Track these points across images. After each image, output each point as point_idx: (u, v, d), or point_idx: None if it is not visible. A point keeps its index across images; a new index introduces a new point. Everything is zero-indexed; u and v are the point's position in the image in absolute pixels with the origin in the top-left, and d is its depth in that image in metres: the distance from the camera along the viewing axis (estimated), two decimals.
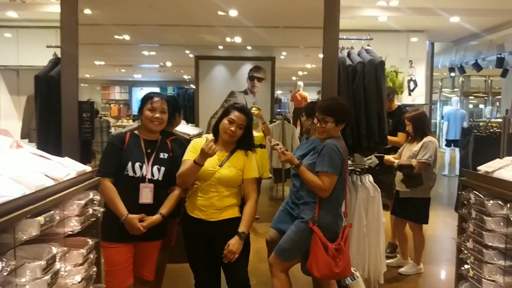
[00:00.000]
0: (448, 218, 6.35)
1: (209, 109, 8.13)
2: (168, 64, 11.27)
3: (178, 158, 2.71)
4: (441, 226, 6.29)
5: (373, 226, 3.51)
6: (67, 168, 1.90)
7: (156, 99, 2.62)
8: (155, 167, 2.58)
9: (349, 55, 3.67)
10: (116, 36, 7.32)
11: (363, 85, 3.47)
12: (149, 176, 2.55)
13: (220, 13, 5.80)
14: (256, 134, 5.71)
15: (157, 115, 2.59)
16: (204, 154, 2.47)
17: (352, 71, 3.49)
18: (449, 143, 9.93)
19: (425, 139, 4.01)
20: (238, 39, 7.50)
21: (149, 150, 2.61)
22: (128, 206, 2.49)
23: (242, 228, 2.58)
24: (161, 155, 2.64)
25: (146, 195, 2.53)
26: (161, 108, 2.62)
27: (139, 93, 16.71)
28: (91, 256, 2.05)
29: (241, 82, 8.35)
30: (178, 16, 6.08)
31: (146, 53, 9.33)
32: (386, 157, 3.97)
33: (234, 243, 2.53)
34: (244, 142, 2.73)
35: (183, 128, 4.30)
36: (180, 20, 6.33)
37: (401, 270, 4.20)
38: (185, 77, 13.46)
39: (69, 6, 3.15)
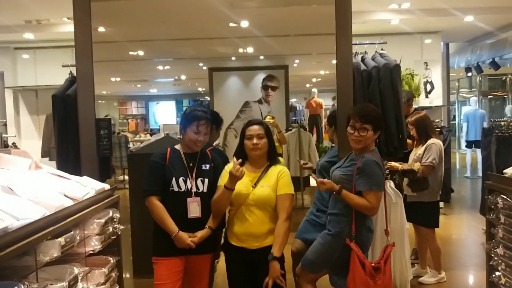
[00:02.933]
0: (473, 221, 6.20)
1: (225, 120, 8.09)
2: (183, 77, 11.36)
3: (219, 167, 2.72)
4: (466, 230, 6.15)
5: (397, 232, 3.44)
6: (86, 187, 1.90)
7: (202, 122, 2.61)
8: (199, 180, 2.59)
9: (363, 60, 3.64)
10: (130, 52, 7.41)
11: (379, 89, 3.43)
12: (194, 189, 2.56)
13: (231, 24, 5.82)
14: None
15: (201, 138, 2.60)
16: (233, 177, 2.45)
17: (367, 76, 3.45)
18: (469, 144, 9.74)
19: (428, 142, 3.94)
20: (250, 49, 7.52)
21: (191, 164, 2.62)
22: (177, 221, 2.50)
23: (275, 251, 2.49)
24: (203, 167, 2.65)
25: (194, 209, 2.54)
26: (206, 131, 2.63)
27: (155, 107, 16.88)
28: (113, 274, 2.05)
29: (255, 92, 8.34)
30: (190, 29, 6.13)
31: (160, 67, 9.42)
32: (390, 163, 3.89)
33: (272, 273, 2.47)
34: (272, 151, 2.69)
35: None
36: (192, 33, 6.38)
37: (421, 279, 4.08)
38: (200, 89, 13.55)
39: (83, 26, 3.20)
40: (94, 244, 1.81)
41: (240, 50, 7.57)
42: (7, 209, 1.31)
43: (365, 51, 3.73)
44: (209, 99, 8.78)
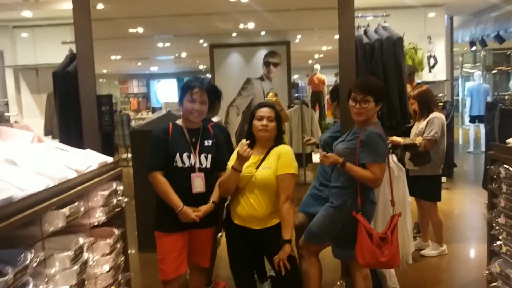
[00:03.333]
0: (475, 195, 6.22)
1: (226, 98, 8.00)
2: (183, 54, 11.26)
3: (221, 143, 2.74)
4: (468, 204, 6.18)
5: (399, 206, 3.41)
6: (89, 160, 1.91)
7: (195, 90, 2.59)
8: (202, 155, 2.60)
9: (365, 33, 3.58)
10: (130, 30, 7.33)
11: (382, 62, 3.38)
12: (198, 165, 2.57)
13: None
14: None
15: (197, 107, 2.57)
16: (241, 158, 2.46)
17: (369, 49, 3.40)
18: (473, 119, 9.70)
19: (430, 116, 3.93)
20: (251, 25, 7.41)
21: (193, 139, 2.62)
22: (182, 196, 2.52)
23: (286, 235, 2.52)
24: (206, 143, 2.65)
25: (198, 184, 2.55)
26: (201, 99, 2.59)
27: (157, 86, 16.83)
28: (118, 245, 2.07)
29: (256, 68, 8.27)
30: (189, 5, 6.04)
31: (160, 45, 9.32)
32: (391, 138, 3.89)
33: (281, 254, 2.50)
34: (279, 135, 2.68)
35: None
36: (191, 9, 6.29)
37: (423, 252, 4.12)
38: (201, 67, 13.45)
39: (81, 3, 3.15)
40: (99, 216, 1.83)
41: (241, 26, 7.46)
42: (11, 180, 1.32)
43: (368, 24, 3.66)
44: (210, 76, 8.73)
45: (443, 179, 6.60)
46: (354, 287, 2.85)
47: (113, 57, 10.79)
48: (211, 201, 2.60)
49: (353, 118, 2.73)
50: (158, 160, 2.56)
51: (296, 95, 11.78)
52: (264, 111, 2.62)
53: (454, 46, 9.03)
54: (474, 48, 9.75)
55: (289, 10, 6.63)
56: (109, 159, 2.17)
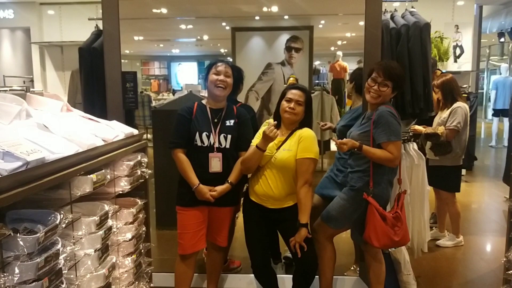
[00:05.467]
0: (495, 189, 6.14)
1: (247, 82, 7.98)
2: (205, 37, 11.24)
3: (245, 123, 2.74)
4: (487, 197, 6.10)
5: (417, 194, 3.44)
6: (116, 130, 1.95)
7: (219, 63, 2.66)
8: (222, 136, 2.62)
9: (392, 17, 3.52)
10: (154, 10, 7.35)
11: (408, 48, 3.33)
12: (216, 145, 2.59)
13: None
14: None
15: (222, 77, 2.60)
16: (266, 138, 2.46)
17: (396, 34, 3.35)
18: (497, 112, 9.50)
19: (454, 105, 3.87)
20: (275, 8, 7.34)
21: (215, 119, 2.65)
22: (199, 175, 2.57)
23: (301, 218, 2.53)
24: (227, 123, 2.67)
25: (215, 164, 2.59)
26: (225, 71, 2.63)
27: (177, 68, 16.88)
28: (141, 215, 2.12)
29: (278, 53, 8.18)
30: None
31: (183, 26, 9.33)
32: (413, 126, 3.85)
33: (297, 237, 2.53)
34: (307, 121, 2.67)
35: None
36: None
37: (439, 242, 4.11)
38: (222, 50, 13.41)
39: None
40: (124, 185, 1.87)
41: (265, 9, 7.40)
42: (43, 143, 1.36)
43: (395, 9, 3.61)
44: (231, 60, 8.71)
45: (463, 171, 6.53)
46: (368, 272, 2.88)
47: (136, 38, 10.85)
48: (228, 182, 2.63)
49: (367, 99, 2.72)
50: (180, 138, 2.62)
51: (317, 81, 11.68)
52: (294, 93, 2.60)
53: (481, 37, 8.80)
54: (502, 40, 9.49)
55: None
56: (135, 131, 2.21)
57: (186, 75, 16.39)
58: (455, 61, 6.68)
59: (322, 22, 8.65)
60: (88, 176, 1.52)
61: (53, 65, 7.56)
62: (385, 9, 3.59)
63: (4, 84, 7.92)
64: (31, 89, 5.21)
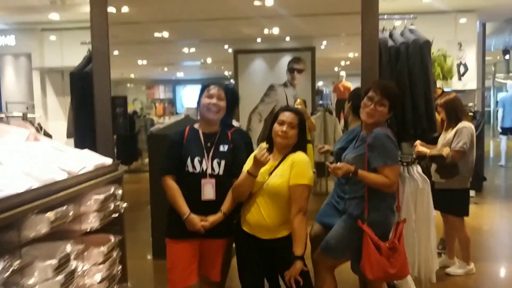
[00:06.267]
0: (506, 211, 5.91)
1: (249, 104, 8.02)
2: (209, 60, 11.29)
3: (239, 148, 2.60)
4: (498, 220, 5.86)
5: (423, 220, 3.26)
6: (85, 161, 1.81)
7: (212, 86, 2.53)
8: (215, 161, 2.47)
9: (391, 35, 3.41)
10: (155, 34, 7.36)
11: (408, 66, 3.22)
12: (209, 171, 2.45)
13: (256, 3, 5.66)
14: None
15: (214, 101, 2.48)
16: (257, 163, 2.32)
17: (395, 52, 3.24)
18: (505, 131, 9.29)
19: (459, 125, 3.70)
20: (276, 30, 7.34)
21: (208, 144, 2.51)
22: (191, 203, 2.43)
23: (297, 251, 2.33)
24: (221, 148, 2.53)
25: (208, 191, 2.44)
26: (218, 94, 2.51)
27: (182, 91, 16.94)
28: (114, 254, 1.96)
29: (280, 74, 8.17)
30: (213, 9, 6.01)
31: (186, 50, 9.36)
32: (418, 148, 3.69)
33: (292, 271, 2.33)
34: (301, 144, 2.51)
35: None
36: (216, 13, 6.26)
37: (448, 270, 3.87)
38: (226, 73, 13.45)
39: (98, 2, 3.10)
40: (92, 222, 1.72)
41: (266, 31, 7.39)
42: None
43: (393, 27, 3.50)
44: (234, 82, 8.68)
45: (472, 193, 6.31)
46: None
47: (139, 62, 10.93)
48: (221, 212, 2.47)
49: (362, 119, 2.60)
50: (170, 164, 2.50)
51: (321, 102, 11.60)
52: (287, 116, 2.45)
53: (486, 54, 8.68)
54: (507, 57, 9.35)
55: (315, 15, 6.50)
56: (108, 161, 2.07)
57: (191, 98, 16.42)
58: (460, 79, 6.55)
59: (324, 43, 8.65)
60: (45, 214, 1.38)
61: (53, 90, 7.57)
62: (384, 27, 3.49)
63: (6, 110, 7.90)
64: (29, 115, 5.15)
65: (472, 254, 3.94)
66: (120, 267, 2.04)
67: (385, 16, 3.46)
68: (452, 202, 3.82)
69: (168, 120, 10.35)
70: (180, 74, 15.54)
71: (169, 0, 5.51)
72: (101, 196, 1.81)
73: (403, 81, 3.20)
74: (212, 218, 2.44)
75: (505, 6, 6.64)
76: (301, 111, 2.62)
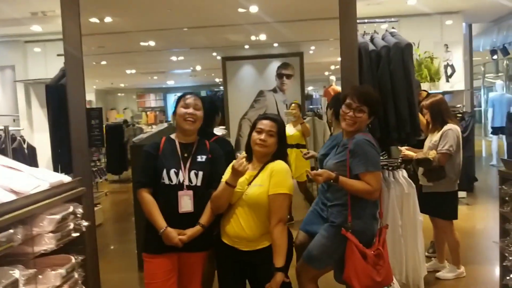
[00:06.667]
0: (498, 211, 5.84)
1: (239, 110, 8.00)
2: (198, 68, 11.24)
3: (219, 159, 2.53)
4: (491, 221, 5.78)
5: (409, 225, 3.21)
6: (38, 180, 1.73)
7: (188, 96, 2.48)
8: (192, 172, 2.41)
9: (372, 39, 3.37)
10: (141, 43, 7.29)
11: (389, 71, 3.17)
12: (186, 182, 2.38)
13: (240, 10, 5.60)
14: (292, 132, 5.47)
15: (191, 110, 2.42)
16: (235, 173, 2.27)
17: (376, 56, 3.19)
18: (495, 130, 9.26)
19: (445, 128, 3.66)
20: (263, 37, 7.30)
21: (185, 154, 2.45)
22: (168, 216, 2.36)
23: (278, 262, 2.27)
24: (199, 158, 2.46)
25: (185, 203, 2.38)
26: (195, 104, 2.45)
27: (174, 99, 16.85)
28: (75, 275, 1.87)
29: (269, 80, 8.16)
30: (198, 17, 5.95)
31: (174, 58, 9.31)
32: (403, 152, 3.64)
33: (273, 283, 2.27)
34: (280, 153, 2.45)
35: None
36: (201, 21, 6.20)
37: (438, 274, 3.83)
38: (217, 80, 13.38)
39: (70, 11, 3.02)
40: (46, 243, 1.64)
41: (253, 38, 7.35)
42: None
43: (374, 31, 3.45)
44: (223, 89, 8.64)
45: (463, 194, 6.27)
46: None
47: (128, 71, 10.85)
48: (199, 225, 2.40)
49: (342, 127, 2.54)
50: (145, 177, 2.43)
51: (311, 106, 11.58)
52: (265, 124, 2.40)
53: (475, 55, 8.69)
54: (495, 57, 9.35)
55: (301, 20, 6.46)
56: (66, 179, 1.99)
57: None
58: (447, 80, 6.52)
59: (312, 47, 8.62)
60: None
61: (38, 102, 7.43)
62: (364, 31, 3.45)
63: None
64: (10, 128, 5.05)
65: (464, 257, 3.89)
66: None
67: (365, 20, 3.42)
68: (440, 206, 3.77)
69: (157, 128, 10.28)
70: (170, 82, 15.48)
71: (153, 9, 5.44)
72: (57, 216, 1.72)
73: (385, 86, 3.16)
74: (190, 232, 2.37)
75: (489, 7, 6.65)
76: (281, 119, 2.54)
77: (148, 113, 16.91)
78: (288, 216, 5.35)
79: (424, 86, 6.12)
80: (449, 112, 3.83)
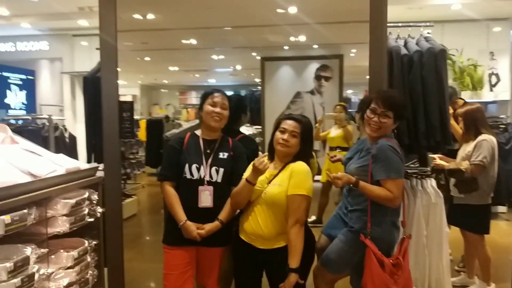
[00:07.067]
0: None
1: (275, 111, 8.00)
2: (238, 67, 11.36)
3: (240, 157, 2.56)
4: None
5: (435, 236, 3.10)
6: (54, 165, 1.81)
7: (216, 94, 2.52)
8: (214, 168, 2.46)
9: (406, 44, 3.29)
10: (183, 41, 7.44)
11: (421, 76, 3.09)
12: (207, 178, 2.44)
13: (279, 10, 5.62)
14: (334, 134, 5.45)
15: (218, 109, 2.47)
16: (256, 170, 2.28)
17: (408, 61, 3.12)
18: None
19: (479, 138, 3.50)
20: (302, 38, 7.27)
21: (208, 151, 2.50)
22: (188, 210, 2.42)
23: (292, 263, 2.27)
24: (220, 155, 2.51)
25: (205, 198, 2.43)
26: (222, 103, 2.50)
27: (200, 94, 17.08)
28: (88, 258, 1.95)
29: (307, 82, 8.13)
30: (238, 17, 6.00)
31: (215, 57, 9.44)
32: (436, 161, 3.51)
33: (286, 284, 2.28)
34: (303, 154, 2.44)
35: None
36: (241, 21, 6.25)
37: None
38: (256, 79, 13.46)
39: (107, 6, 3.12)
40: (60, 225, 1.72)
41: (292, 39, 7.34)
42: None
43: (409, 35, 3.37)
44: (260, 89, 8.69)
45: (503, 209, 5.99)
46: None
47: (171, 68, 11.10)
48: (218, 220, 2.44)
49: (366, 132, 2.49)
50: (168, 170, 2.50)
51: (349, 110, 11.41)
52: (289, 124, 2.40)
53: None
54: None
55: (342, 23, 6.38)
56: (84, 166, 2.07)
57: None
58: (491, 90, 6.24)
59: (353, 50, 8.49)
60: (0, 217, 1.38)
61: (82, 94, 7.78)
62: (398, 35, 3.38)
63: (41, 113, 8.20)
64: (53, 117, 5.32)
65: (496, 274, 3.73)
66: (95, 271, 2.03)
67: (399, 24, 3.35)
68: (471, 219, 3.63)
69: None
70: (212, 81, 15.68)
71: (193, 7, 5.55)
72: (72, 201, 1.80)
73: (415, 91, 3.08)
74: (209, 227, 2.41)
75: None
76: (307, 120, 2.53)
77: (189, 109, 17.25)
78: (314, 218, 5.37)
79: (466, 94, 5.91)
80: (484, 121, 3.68)
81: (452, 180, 3.66)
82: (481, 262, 3.69)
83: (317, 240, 2.87)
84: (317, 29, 6.26)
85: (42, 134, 4.83)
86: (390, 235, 2.47)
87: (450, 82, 6.30)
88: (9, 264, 1.41)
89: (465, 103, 4.28)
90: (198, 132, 2.59)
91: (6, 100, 8.34)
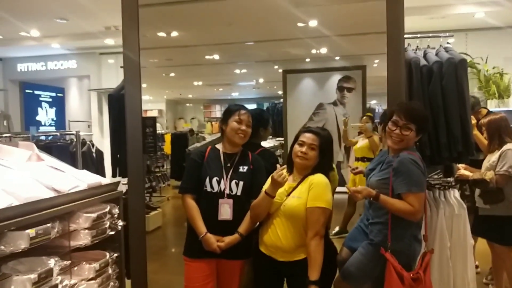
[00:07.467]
0: None
1: (298, 123, 7.97)
2: (261, 80, 11.45)
3: (260, 170, 2.59)
4: None
5: (459, 248, 3.04)
6: (77, 180, 1.89)
7: (243, 111, 2.57)
8: (233, 182, 2.50)
9: (425, 55, 3.28)
10: (207, 56, 7.60)
11: (441, 86, 3.05)
12: (227, 191, 2.48)
13: (299, 24, 5.68)
14: (360, 145, 5.42)
15: (243, 127, 2.53)
16: (275, 183, 2.31)
17: (427, 71, 3.09)
18: None
19: (504, 147, 3.42)
20: (324, 50, 7.31)
21: (228, 164, 2.55)
22: (208, 222, 2.46)
23: (312, 275, 2.28)
24: (241, 169, 2.55)
25: (225, 211, 2.47)
26: (247, 121, 2.56)
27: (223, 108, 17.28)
28: (110, 270, 2.01)
29: (330, 93, 8.12)
30: (258, 31, 6.10)
31: (238, 71, 9.57)
32: (459, 171, 3.45)
33: None
34: (322, 166, 2.46)
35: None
36: (261, 35, 6.35)
37: None
38: (279, 92, 13.52)
39: (130, 24, 3.23)
40: (82, 239, 1.79)
41: (313, 51, 7.39)
42: None
43: (428, 46, 3.35)
44: (282, 101, 8.73)
45: None
46: None
47: (195, 83, 11.30)
48: (238, 233, 2.46)
49: (388, 145, 2.47)
50: (189, 183, 2.54)
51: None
52: (308, 137, 2.43)
53: None
54: None
55: (363, 34, 6.38)
56: (105, 181, 2.14)
57: None
58: None
59: (376, 61, 8.43)
60: (25, 231, 1.45)
61: (108, 110, 8.00)
62: (417, 46, 3.37)
63: (69, 129, 8.47)
64: (80, 133, 5.48)
65: None
66: (116, 283, 2.08)
67: (418, 35, 3.34)
68: (497, 230, 3.54)
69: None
70: (235, 94, 15.84)
71: (214, 24, 5.66)
72: (93, 215, 1.87)
73: (436, 102, 3.05)
74: (229, 239, 2.44)
75: None
76: (327, 133, 2.55)
77: (213, 123, 17.44)
78: (338, 229, 5.31)
79: (492, 103, 5.79)
80: (509, 130, 3.60)
81: (477, 191, 3.59)
82: (509, 274, 3.58)
83: (339, 252, 2.86)
84: (338, 41, 6.28)
85: (70, 149, 4.98)
86: (411, 248, 2.43)
87: (476, 91, 6.19)
88: (33, 276, 1.48)
89: (489, 112, 4.20)
90: (219, 145, 2.64)
91: (38, 117, 8.65)
